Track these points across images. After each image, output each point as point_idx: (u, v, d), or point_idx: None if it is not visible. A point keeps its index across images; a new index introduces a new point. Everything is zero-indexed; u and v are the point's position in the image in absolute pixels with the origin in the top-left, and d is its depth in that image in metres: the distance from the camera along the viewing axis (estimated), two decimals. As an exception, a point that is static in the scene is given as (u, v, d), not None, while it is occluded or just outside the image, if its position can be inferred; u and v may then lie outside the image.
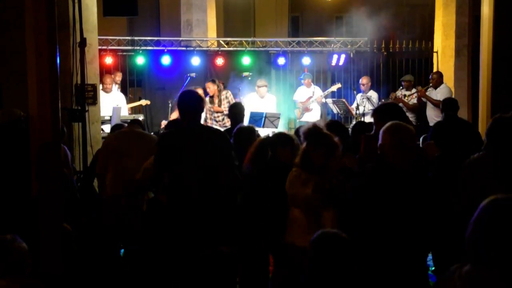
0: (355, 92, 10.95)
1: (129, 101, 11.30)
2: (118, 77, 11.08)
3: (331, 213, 4.16)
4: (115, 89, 10.68)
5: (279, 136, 5.12)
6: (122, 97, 10.63)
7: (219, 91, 10.08)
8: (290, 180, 4.29)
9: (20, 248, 3.20)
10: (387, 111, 4.53)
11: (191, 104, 4.47)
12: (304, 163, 4.23)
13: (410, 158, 3.65)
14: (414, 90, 10.18)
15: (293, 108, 11.32)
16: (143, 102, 11.34)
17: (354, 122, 9.25)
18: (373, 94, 10.44)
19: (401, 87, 10.36)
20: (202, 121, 9.87)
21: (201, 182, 4.32)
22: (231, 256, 3.10)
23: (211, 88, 10.08)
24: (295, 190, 4.22)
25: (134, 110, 11.70)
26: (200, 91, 10.02)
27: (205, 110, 9.96)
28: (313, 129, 4.29)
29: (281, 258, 4.52)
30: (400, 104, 9.80)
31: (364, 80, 10.58)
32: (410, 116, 9.84)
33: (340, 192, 4.10)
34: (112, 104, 9.78)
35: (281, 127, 9.96)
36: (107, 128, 9.06)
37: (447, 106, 7.10)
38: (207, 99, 10.20)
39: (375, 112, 4.78)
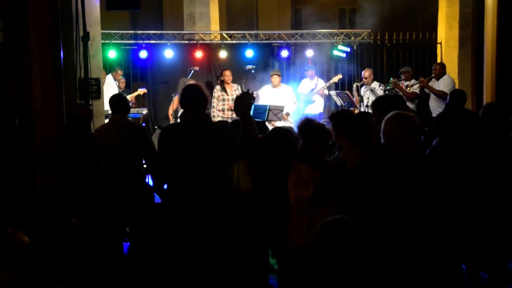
0: (358, 84, 10.91)
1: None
2: (119, 75, 11.11)
3: (325, 212, 4.19)
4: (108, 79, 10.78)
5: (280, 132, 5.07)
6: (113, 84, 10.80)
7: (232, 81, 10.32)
8: (293, 180, 4.30)
9: (22, 242, 3.19)
10: (388, 103, 4.53)
11: (192, 98, 4.42)
12: (304, 156, 4.28)
13: (419, 144, 3.69)
14: (414, 81, 10.15)
15: (298, 101, 11.31)
16: (140, 91, 11.38)
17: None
18: (376, 86, 10.41)
19: (401, 79, 10.31)
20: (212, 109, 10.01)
21: (198, 178, 4.26)
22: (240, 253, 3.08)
23: (229, 76, 10.24)
24: (296, 190, 4.23)
25: (138, 103, 11.73)
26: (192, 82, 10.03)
27: (215, 97, 10.08)
28: (306, 121, 4.39)
29: (285, 259, 4.52)
30: (400, 93, 9.84)
31: (366, 73, 10.54)
32: (409, 105, 9.82)
33: (335, 188, 4.19)
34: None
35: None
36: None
37: (453, 97, 7.10)
38: (218, 87, 10.26)
39: (375, 104, 4.76)
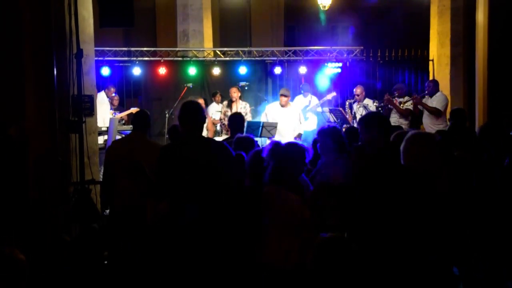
0: (351, 102, 10.94)
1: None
2: (111, 92, 11.09)
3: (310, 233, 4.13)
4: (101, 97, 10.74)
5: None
6: (105, 101, 10.77)
7: (240, 98, 10.47)
8: (294, 200, 4.07)
9: (19, 260, 3.17)
10: (372, 120, 4.58)
11: (190, 115, 4.37)
12: (278, 179, 4.10)
13: (438, 162, 3.79)
14: (407, 98, 10.20)
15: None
16: (133, 110, 11.34)
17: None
18: (369, 102, 10.45)
19: (394, 96, 10.35)
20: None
21: (199, 198, 4.19)
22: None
23: (236, 93, 10.39)
24: (288, 214, 4.07)
25: (130, 121, 11.71)
26: (201, 101, 10.10)
27: (222, 112, 10.17)
28: (277, 146, 4.22)
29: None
30: (393, 111, 9.90)
31: (358, 90, 10.56)
32: (403, 121, 9.85)
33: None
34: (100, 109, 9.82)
35: (278, 137, 9.97)
36: (101, 140, 9.07)
37: (454, 116, 7.27)
38: (225, 103, 10.33)
39: (360, 122, 4.80)
